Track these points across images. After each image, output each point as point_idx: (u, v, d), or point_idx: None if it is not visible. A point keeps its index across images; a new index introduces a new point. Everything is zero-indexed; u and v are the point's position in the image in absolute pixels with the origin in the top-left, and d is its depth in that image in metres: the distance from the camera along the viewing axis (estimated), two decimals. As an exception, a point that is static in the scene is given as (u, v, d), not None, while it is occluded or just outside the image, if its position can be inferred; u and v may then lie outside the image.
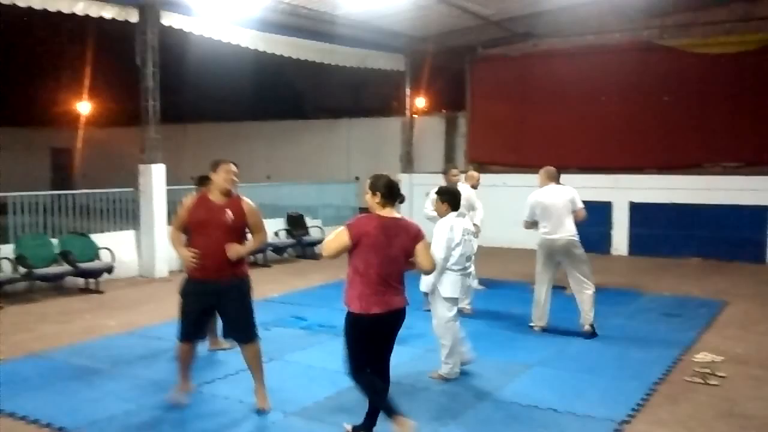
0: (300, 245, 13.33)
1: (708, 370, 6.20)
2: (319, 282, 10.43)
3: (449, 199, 6.06)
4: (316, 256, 13.10)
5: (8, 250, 9.64)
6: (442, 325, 5.96)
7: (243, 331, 5.29)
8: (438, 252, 5.77)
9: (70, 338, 7.44)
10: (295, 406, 5.36)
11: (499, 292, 9.81)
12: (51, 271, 9.74)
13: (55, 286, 10.00)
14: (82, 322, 8.23)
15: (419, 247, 4.54)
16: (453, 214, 6.02)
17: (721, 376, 6.06)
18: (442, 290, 5.90)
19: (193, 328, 5.26)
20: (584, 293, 7.34)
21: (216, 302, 5.21)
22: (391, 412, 4.52)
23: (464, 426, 5.07)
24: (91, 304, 9.19)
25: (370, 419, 4.68)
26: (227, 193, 5.20)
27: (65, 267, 9.85)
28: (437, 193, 6.19)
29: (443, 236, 5.87)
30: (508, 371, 6.24)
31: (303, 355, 6.80)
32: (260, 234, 5.36)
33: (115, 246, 10.52)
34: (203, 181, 6.63)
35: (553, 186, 7.52)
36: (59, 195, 11.09)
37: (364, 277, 4.41)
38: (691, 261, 12.79)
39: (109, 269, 10.21)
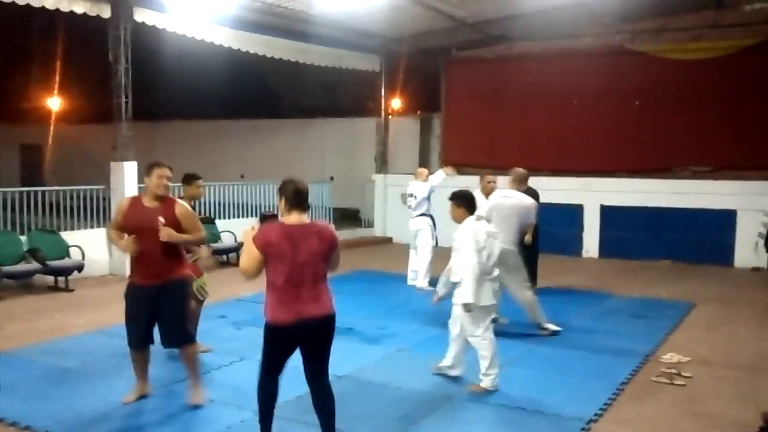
0: (273, 245, 13.26)
1: (674, 371, 6.30)
2: (291, 281, 10.41)
3: (464, 203, 5.77)
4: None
5: (-25, 247, 9.49)
6: (480, 335, 5.73)
7: (178, 333, 5.24)
8: (468, 261, 5.56)
9: (38, 337, 7.35)
10: (266, 405, 5.35)
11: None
12: (19, 269, 9.62)
13: (24, 284, 9.87)
14: (50, 320, 8.14)
15: (335, 253, 4.44)
16: (472, 218, 5.77)
17: (687, 377, 6.17)
18: (478, 300, 5.66)
19: (135, 334, 5.23)
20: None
21: (154, 306, 5.14)
22: (263, 429, 4.53)
23: (433, 425, 5.10)
24: (60, 303, 9.08)
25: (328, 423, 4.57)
26: (160, 198, 5.17)
27: (34, 265, 9.73)
28: (451, 198, 5.90)
29: (469, 241, 5.61)
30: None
31: (274, 355, 6.76)
32: (196, 233, 5.28)
33: (86, 244, 10.40)
34: (188, 179, 6.65)
35: (513, 192, 7.42)
36: (28, 192, 10.94)
37: (273, 286, 4.31)
38: (660, 263, 12.97)
39: (79, 267, 10.09)
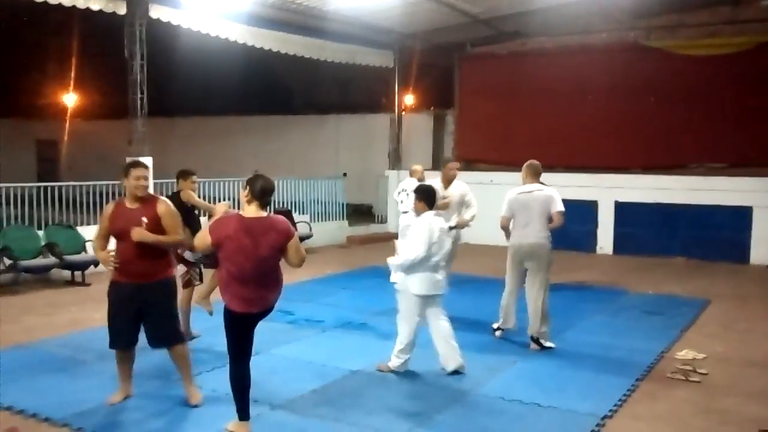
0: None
1: (690, 368, 6.28)
2: (305, 277, 10.46)
3: (424, 197, 6.10)
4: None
5: (-7, 241, 9.60)
6: (403, 318, 6.05)
7: (168, 333, 5.23)
8: (416, 250, 5.84)
9: (56, 330, 7.43)
10: (281, 399, 5.40)
11: (484, 288, 9.84)
12: (37, 263, 9.71)
13: (41, 279, 9.98)
14: (67, 314, 8.22)
15: (290, 244, 4.58)
16: (430, 213, 6.07)
17: (702, 374, 6.16)
18: (412, 287, 5.94)
19: (119, 334, 5.19)
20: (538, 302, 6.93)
21: (140, 306, 5.11)
22: (243, 413, 4.69)
23: (449, 419, 5.12)
24: (77, 297, 9.17)
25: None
26: (141, 198, 5.14)
27: (51, 259, 9.81)
28: (414, 191, 6.27)
29: (422, 235, 5.90)
30: (493, 366, 6.31)
31: (289, 349, 6.83)
32: (174, 235, 5.18)
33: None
34: (183, 174, 6.73)
35: (534, 185, 7.06)
36: (45, 187, 11.04)
37: (239, 280, 4.47)
38: (674, 260, 12.91)
39: (96, 262, 10.14)
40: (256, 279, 4.49)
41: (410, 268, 5.91)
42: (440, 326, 6.08)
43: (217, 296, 5.60)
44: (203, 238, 4.54)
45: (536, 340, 6.89)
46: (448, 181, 8.34)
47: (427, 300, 6.00)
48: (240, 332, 4.63)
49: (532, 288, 6.98)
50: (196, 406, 5.24)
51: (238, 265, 4.44)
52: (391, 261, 6.03)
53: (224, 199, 12.66)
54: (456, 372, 6.05)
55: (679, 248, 13.16)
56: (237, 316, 4.54)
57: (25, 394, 5.41)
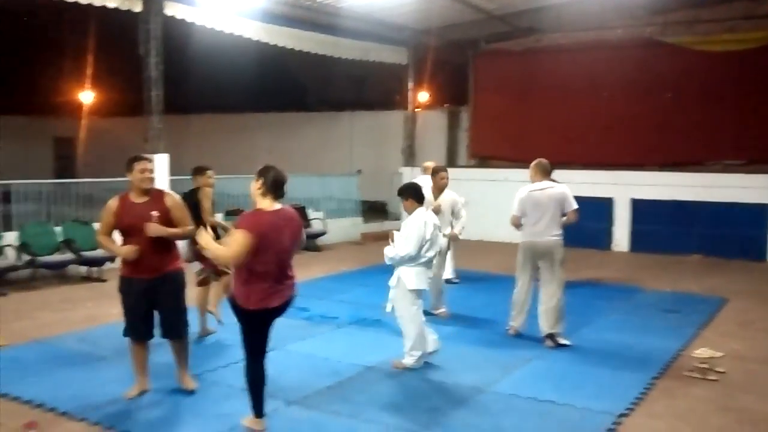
0: (302, 237, 13.34)
1: (707, 366, 6.22)
2: (320, 274, 10.50)
3: (412, 194, 6.07)
4: (317, 248, 13.15)
5: (12, 237, 9.71)
6: (405, 317, 6.02)
7: (176, 326, 5.28)
8: (407, 247, 5.85)
9: (73, 326, 7.50)
10: (296, 394, 5.41)
11: (497, 285, 9.82)
12: (54, 259, 9.80)
13: (58, 274, 10.06)
14: (84, 310, 8.29)
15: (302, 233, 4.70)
16: (422, 209, 6.05)
17: (720, 372, 6.10)
18: (407, 282, 5.93)
19: (133, 327, 5.23)
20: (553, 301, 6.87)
21: (152, 300, 5.15)
22: (259, 410, 4.67)
23: (463, 417, 5.11)
24: (94, 293, 9.24)
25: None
26: (147, 191, 5.13)
27: (68, 255, 9.90)
28: (398, 193, 6.21)
29: (416, 232, 5.88)
30: (507, 364, 6.29)
31: (304, 345, 6.85)
32: (185, 226, 5.22)
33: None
34: (199, 171, 6.77)
35: (545, 182, 6.98)
36: (62, 183, 11.14)
37: (262, 276, 4.42)
38: (691, 258, 12.81)
39: (112, 258, 10.22)
40: (275, 273, 4.48)
41: (402, 262, 5.92)
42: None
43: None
44: (243, 245, 4.27)
45: (552, 338, 6.85)
46: (439, 190, 8.12)
47: (419, 294, 6.02)
48: (257, 330, 4.61)
49: (549, 286, 6.92)
50: (193, 392, 5.34)
51: (265, 261, 4.40)
52: (387, 251, 6.01)
53: (237, 194, 12.72)
54: (432, 352, 6.17)
55: (696, 246, 13.06)
56: (253, 313, 4.51)
57: (43, 389, 5.46)
